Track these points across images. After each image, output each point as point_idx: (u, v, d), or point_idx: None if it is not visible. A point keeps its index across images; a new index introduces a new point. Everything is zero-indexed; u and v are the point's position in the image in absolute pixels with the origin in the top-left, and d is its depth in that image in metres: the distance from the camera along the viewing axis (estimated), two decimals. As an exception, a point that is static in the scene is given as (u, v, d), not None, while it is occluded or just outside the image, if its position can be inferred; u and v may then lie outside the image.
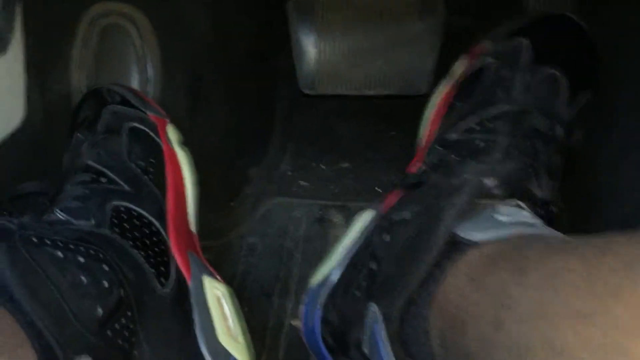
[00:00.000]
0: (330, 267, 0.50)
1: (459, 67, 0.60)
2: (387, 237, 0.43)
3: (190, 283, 0.48)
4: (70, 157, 0.56)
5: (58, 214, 0.45)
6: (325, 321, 0.48)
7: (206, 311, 0.47)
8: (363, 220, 0.51)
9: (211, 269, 0.51)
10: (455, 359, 0.35)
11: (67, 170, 0.54)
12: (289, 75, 0.79)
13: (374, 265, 0.43)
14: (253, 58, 0.80)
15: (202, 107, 0.74)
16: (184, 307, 0.46)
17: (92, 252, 0.41)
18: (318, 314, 0.49)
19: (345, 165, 0.77)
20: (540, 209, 0.46)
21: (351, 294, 0.45)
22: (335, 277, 0.49)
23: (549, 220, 0.46)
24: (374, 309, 0.39)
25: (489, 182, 0.45)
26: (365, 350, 0.42)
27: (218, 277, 0.51)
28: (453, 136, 0.52)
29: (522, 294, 0.30)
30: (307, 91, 0.76)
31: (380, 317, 0.39)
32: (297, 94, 0.80)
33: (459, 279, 0.36)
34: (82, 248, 0.40)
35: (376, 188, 0.72)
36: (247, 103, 0.80)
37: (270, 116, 0.83)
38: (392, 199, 0.50)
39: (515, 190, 0.45)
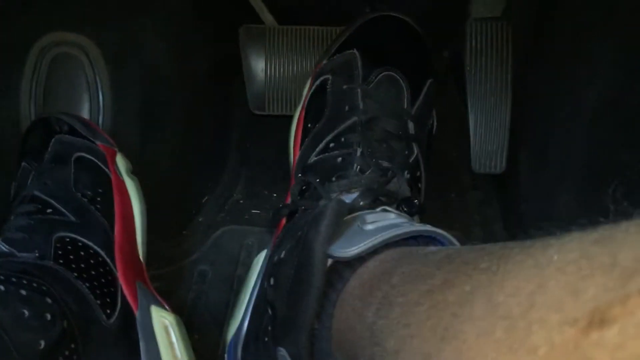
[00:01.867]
0: (239, 318, 0.50)
1: (306, 89, 0.62)
2: (272, 281, 0.43)
3: (137, 313, 0.48)
4: (16, 187, 0.56)
5: (1, 246, 0.45)
6: None
7: (153, 340, 0.47)
8: (259, 261, 0.52)
9: (159, 298, 0.51)
10: None
11: (13, 200, 0.54)
12: (244, 102, 0.81)
13: (270, 311, 0.43)
14: (207, 84, 0.81)
15: (155, 134, 0.74)
16: (130, 337, 0.46)
17: (34, 284, 0.41)
18: None
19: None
20: (405, 205, 0.48)
21: (262, 341, 0.44)
22: (243, 330, 0.49)
23: (416, 211, 0.49)
24: (282, 352, 0.39)
25: (352, 196, 0.47)
26: None
27: (166, 306, 0.51)
28: (312, 159, 0.53)
29: (386, 332, 0.30)
30: (256, 111, 0.80)
31: None
32: (252, 120, 0.81)
33: (344, 311, 0.37)
34: (24, 281, 0.40)
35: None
36: (202, 129, 0.81)
37: (225, 142, 0.84)
38: (279, 231, 0.51)
39: (377, 196, 0.47)
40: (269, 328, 0.44)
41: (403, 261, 0.35)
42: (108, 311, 0.45)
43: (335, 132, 0.52)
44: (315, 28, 0.77)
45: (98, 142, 0.58)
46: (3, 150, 0.64)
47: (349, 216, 0.41)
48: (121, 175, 0.57)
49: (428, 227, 0.38)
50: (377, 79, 0.54)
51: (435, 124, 0.60)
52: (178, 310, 0.51)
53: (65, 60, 0.67)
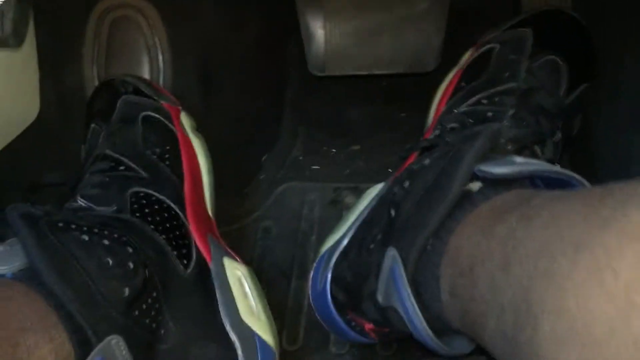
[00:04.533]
0: (340, 234, 0.52)
1: (466, 56, 0.64)
2: (406, 184, 0.45)
3: (211, 264, 0.49)
4: (87, 148, 0.57)
5: (80, 202, 0.46)
6: (336, 280, 0.50)
7: (228, 291, 0.47)
8: (371, 192, 0.53)
9: (230, 251, 0.52)
10: (462, 305, 0.36)
11: (86, 161, 0.55)
12: (299, 60, 0.80)
13: (393, 212, 0.44)
14: (263, 43, 0.81)
15: (213, 94, 0.75)
16: (206, 287, 0.47)
17: (115, 235, 0.42)
18: (328, 275, 0.51)
19: (356, 147, 0.78)
20: None
21: (365, 249, 0.47)
22: (345, 240, 0.51)
23: None
24: (392, 252, 0.41)
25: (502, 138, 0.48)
26: (379, 298, 0.44)
27: (237, 258, 0.52)
28: (462, 109, 0.54)
29: (527, 236, 0.31)
30: (316, 73, 0.76)
31: (399, 259, 0.40)
32: (307, 79, 0.80)
33: (470, 229, 0.37)
34: (106, 232, 0.41)
35: (389, 170, 0.73)
36: (259, 88, 0.81)
37: (282, 101, 0.84)
38: (404, 167, 0.52)
39: (522, 150, 0.47)
40: (379, 236, 0.45)
41: (541, 192, 0.36)
42: (185, 262, 0.46)
43: (491, 91, 0.54)
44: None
45: (162, 101, 0.59)
46: (72, 114, 0.65)
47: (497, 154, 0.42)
48: (187, 132, 0.58)
49: (575, 175, 0.38)
50: (542, 59, 0.57)
51: (576, 129, 0.61)
52: (245, 264, 0.52)
53: (125, 23, 0.68)
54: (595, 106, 0.63)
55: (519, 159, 0.40)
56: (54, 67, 0.66)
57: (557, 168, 0.39)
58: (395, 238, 0.42)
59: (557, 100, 0.55)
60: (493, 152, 0.42)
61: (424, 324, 0.39)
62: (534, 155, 0.48)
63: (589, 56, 0.62)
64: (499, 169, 0.38)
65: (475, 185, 0.40)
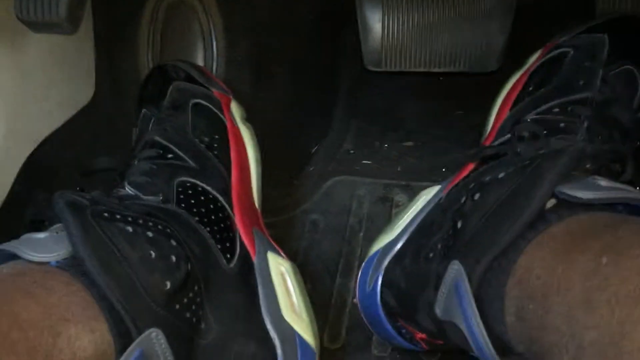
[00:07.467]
0: (392, 236, 0.50)
1: (533, 59, 0.61)
2: (477, 196, 0.43)
3: (254, 259, 0.48)
4: (138, 133, 0.57)
5: (127, 189, 0.46)
6: (388, 284, 0.49)
7: (270, 287, 0.47)
8: (427, 194, 0.52)
9: (275, 245, 0.51)
10: (531, 331, 0.34)
11: (136, 145, 0.55)
12: (354, 51, 0.78)
13: (459, 224, 0.42)
14: (318, 33, 0.80)
15: (265, 82, 0.74)
16: (249, 282, 0.46)
17: (160, 227, 0.41)
18: (379, 277, 0.49)
19: (409, 144, 0.76)
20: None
21: (423, 257, 0.45)
22: (399, 244, 0.49)
23: None
24: (457, 266, 0.39)
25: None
26: (437, 312, 0.42)
27: (282, 253, 0.51)
28: (531, 116, 0.51)
29: (617, 275, 0.29)
30: (372, 68, 0.74)
31: (464, 274, 0.39)
32: (361, 71, 0.78)
33: (543, 251, 0.35)
34: (150, 223, 0.41)
35: (442, 170, 0.71)
36: (311, 79, 0.80)
37: (334, 92, 0.82)
38: (463, 172, 0.50)
39: (601, 168, 0.44)
40: (439, 245, 0.44)
41: (627, 220, 0.34)
42: (228, 256, 0.46)
43: (563, 99, 0.51)
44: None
45: (213, 89, 0.59)
46: (126, 98, 0.66)
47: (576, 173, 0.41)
48: (236, 122, 0.57)
49: None
50: (618, 69, 0.54)
51: None
52: (290, 259, 0.51)
53: (180, 9, 0.68)
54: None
55: (603, 182, 0.38)
56: (110, 51, 0.66)
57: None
58: (460, 251, 0.41)
59: (632, 114, 0.52)
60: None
61: (490, 345, 0.38)
62: (611, 173, 0.46)
63: None
64: (584, 193, 0.36)
65: (549, 203, 0.38)
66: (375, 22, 0.70)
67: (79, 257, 0.36)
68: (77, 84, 0.64)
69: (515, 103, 0.56)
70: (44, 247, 0.37)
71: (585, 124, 0.48)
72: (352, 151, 0.76)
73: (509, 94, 0.59)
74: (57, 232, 0.38)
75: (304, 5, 0.78)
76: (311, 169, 0.75)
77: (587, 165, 0.43)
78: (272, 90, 0.76)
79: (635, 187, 0.43)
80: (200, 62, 0.68)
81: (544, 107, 0.52)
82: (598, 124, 0.49)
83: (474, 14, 0.66)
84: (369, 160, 0.74)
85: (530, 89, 0.56)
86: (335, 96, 0.83)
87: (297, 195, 0.72)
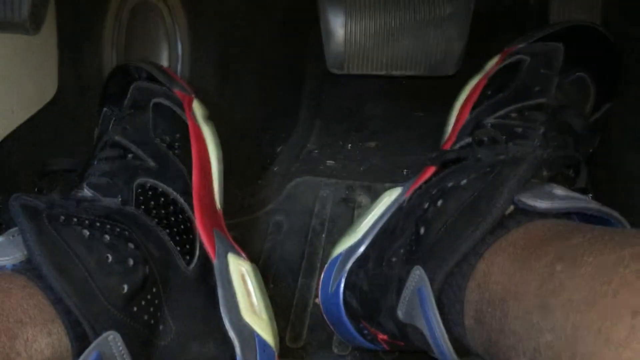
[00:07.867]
0: (355, 239, 0.51)
1: (491, 64, 0.62)
2: (439, 202, 0.44)
3: (214, 260, 0.48)
4: (98, 132, 0.57)
5: (86, 190, 0.46)
6: (351, 287, 0.50)
7: (230, 288, 0.47)
8: (389, 196, 0.53)
9: (236, 246, 0.52)
10: (489, 334, 0.35)
11: (96, 145, 0.55)
12: (318, 53, 0.79)
13: (422, 230, 0.43)
14: (283, 34, 0.80)
15: (230, 83, 0.74)
16: (208, 284, 0.47)
17: (117, 230, 0.41)
18: (342, 279, 0.50)
19: (372, 145, 0.77)
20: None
21: (386, 261, 0.46)
22: (361, 247, 0.50)
23: None
24: (419, 272, 0.40)
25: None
26: (399, 315, 0.43)
27: (243, 254, 0.51)
28: (490, 120, 0.53)
29: (570, 282, 0.30)
30: (335, 71, 0.74)
31: (426, 280, 0.39)
32: (325, 72, 0.79)
33: (501, 257, 0.36)
34: (108, 226, 0.41)
35: (404, 171, 0.72)
36: (276, 79, 0.80)
37: (298, 93, 0.83)
38: (425, 175, 0.51)
39: (557, 175, 0.46)
40: (401, 250, 0.45)
41: (581, 228, 0.35)
42: (187, 257, 0.46)
43: (520, 104, 0.53)
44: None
45: (175, 89, 0.59)
46: (87, 96, 0.65)
47: (534, 180, 0.42)
48: (198, 121, 0.57)
49: (616, 214, 0.38)
50: (572, 76, 0.56)
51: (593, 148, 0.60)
52: (253, 260, 0.52)
53: (146, 9, 0.68)
54: (616, 122, 0.62)
55: (559, 191, 0.39)
56: (74, 49, 0.65)
57: (601, 206, 0.38)
58: (422, 257, 0.42)
59: (584, 120, 0.54)
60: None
61: (451, 347, 0.39)
62: (566, 179, 0.47)
63: (615, 75, 0.60)
64: (541, 203, 0.38)
65: (508, 210, 0.39)
66: (337, 27, 0.70)
67: (35, 261, 0.36)
68: (40, 81, 0.64)
69: (475, 106, 0.57)
70: (0, 250, 0.37)
71: (542, 130, 0.50)
72: (316, 151, 0.77)
73: (468, 97, 0.60)
74: (13, 236, 0.38)
75: (271, 6, 0.78)
76: (275, 169, 0.76)
77: (544, 173, 0.44)
78: (237, 91, 0.76)
79: (587, 194, 0.45)
80: (165, 61, 0.68)
81: (502, 111, 0.53)
82: (553, 130, 0.50)
83: (433, 19, 0.67)
84: (332, 160, 0.75)
85: (489, 93, 0.57)
86: (301, 96, 0.83)
87: (261, 195, 0.72)
